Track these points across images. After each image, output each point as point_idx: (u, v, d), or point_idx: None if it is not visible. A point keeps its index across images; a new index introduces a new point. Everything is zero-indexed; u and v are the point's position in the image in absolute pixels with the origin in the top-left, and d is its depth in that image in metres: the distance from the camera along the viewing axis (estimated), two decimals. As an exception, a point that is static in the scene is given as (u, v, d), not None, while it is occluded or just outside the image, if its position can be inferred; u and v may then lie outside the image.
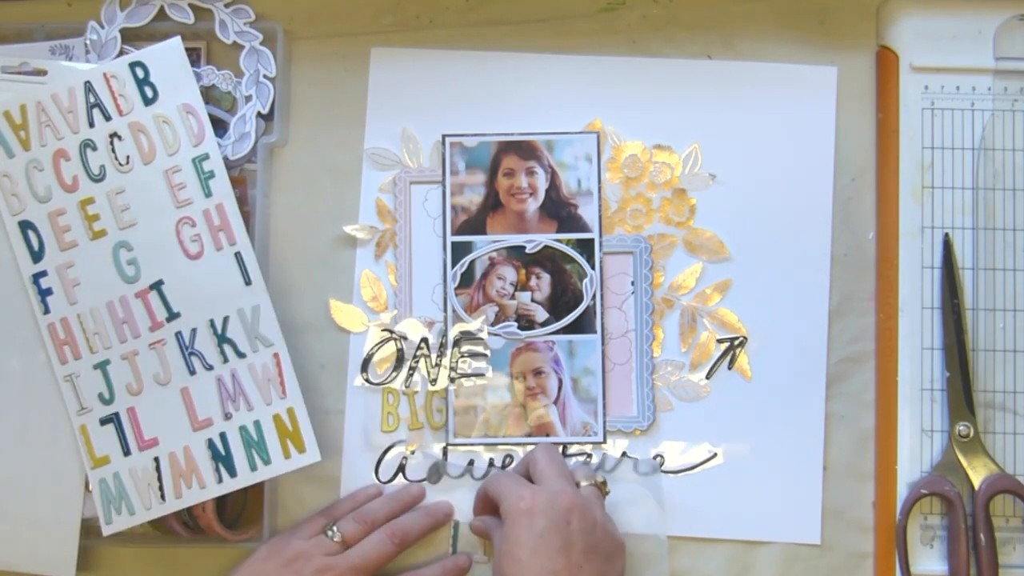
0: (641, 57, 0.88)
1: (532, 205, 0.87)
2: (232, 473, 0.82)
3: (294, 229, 0.88)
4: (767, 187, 0.86)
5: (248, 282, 0.83)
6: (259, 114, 0.86)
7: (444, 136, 0.87)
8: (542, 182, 0.87)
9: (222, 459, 0.82)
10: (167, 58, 0.84)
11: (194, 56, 0.88)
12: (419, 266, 0.87)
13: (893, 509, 0.83)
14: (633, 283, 0.86)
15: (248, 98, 0.87)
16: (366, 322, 0.87)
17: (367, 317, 0.87)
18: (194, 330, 0.83)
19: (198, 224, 0.83)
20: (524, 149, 0.87)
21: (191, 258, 0.83)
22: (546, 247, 0.86)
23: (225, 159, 0.85)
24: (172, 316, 0.83)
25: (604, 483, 0.81)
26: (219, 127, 0.86)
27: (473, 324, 0.86)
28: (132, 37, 0.87)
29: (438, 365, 0.86)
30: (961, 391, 0.82)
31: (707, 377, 0.86)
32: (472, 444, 0.86)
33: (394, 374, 0.87)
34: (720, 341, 0.86)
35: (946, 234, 0.84)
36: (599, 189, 0.87)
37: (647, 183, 0.87)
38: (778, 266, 0.86)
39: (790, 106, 0.87)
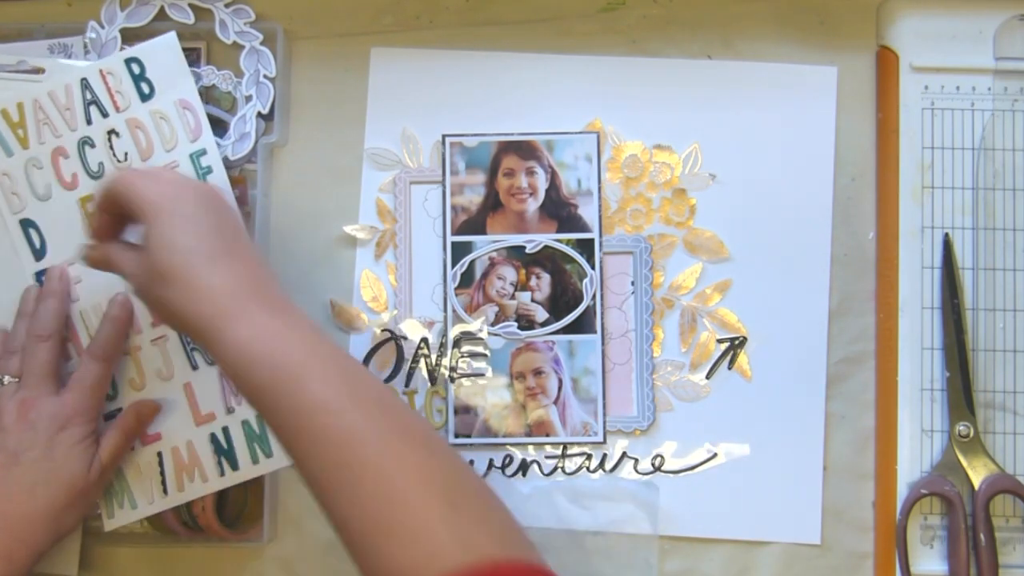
0: (641, 57, 0.88)
1: (532, 205, 0.87)
2: (234, 466, 0.83)
3: (294, 229, 0.88)
4: (767, 187, 0.86)
5: (249, 281, 0.83)
6: (259, 114, 0.86)
7: (444, 136, 0.87)
8: (542, 182, 0.87)
9: (224, 453, 0.83)
10: (163, 53, 0.84)
11: (194, 56, 0.88)
12: (419, 266, 0.87)
13: (893, 509, 0.83)
14: (633, 283, 0.86)
15: (248, 98, 0.87)
16: (366, 322, 0.87)
17: (367, 317, 0.87)
18: (196, 328, 0.83)
19: (198, 223, 0.83)
20: (524, 149, 0.87)
21: (191, 257, 0.83)
22: (546, 247, 0.86)
23: (225, 159, 0.85)
24: (173, 315, 0.83)
25: None
26: (219, 127, 0.86)
27: (473, 324, 0.86)
28: (132, 37, 0.87)
29: (438, 365, 0.86)
30: (961, 391, 0.82)
31: (707, 377, 0.86)
32: (472, 444, 0.86)
33: (394, 374, 0.87)
34: (720, 341, 0.86)
35: (946, 234, 0.84)
36: (599, 189, 0.87)
37: (647, 183, 0.87)
38: (778, 266, 0.86)
39: (790, 106, 0.87)
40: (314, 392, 0.65)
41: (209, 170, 0.84)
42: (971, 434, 0.82)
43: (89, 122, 0.84)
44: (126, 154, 0.84)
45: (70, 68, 0.85)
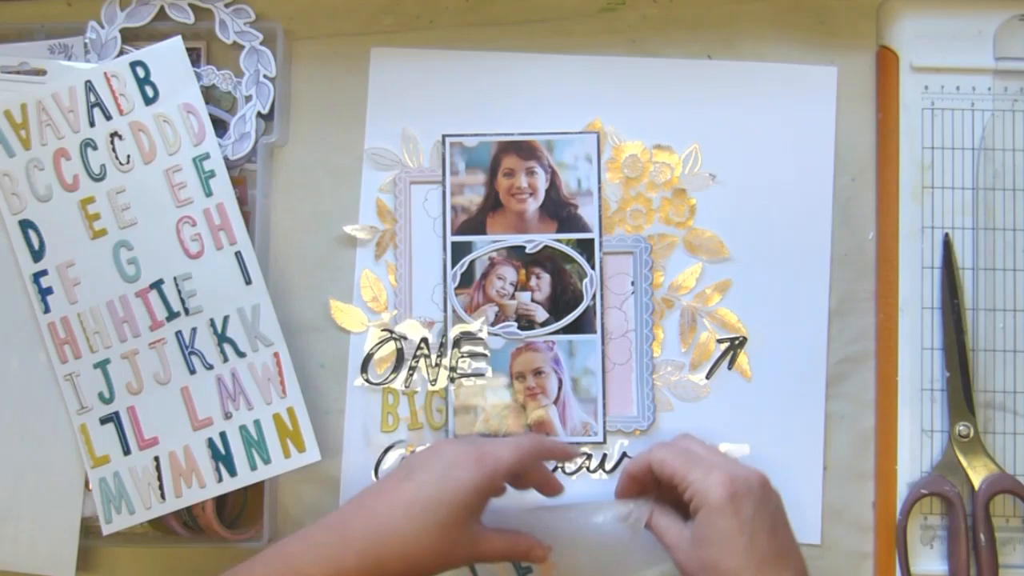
0: (641, 57, 0.88)
1: (532, 205, 0.87)
2: (232, 472, 0.82)
3: (294, 229, 0.88)
4: (767, 187, 0.86)
5: (248, 281, 0.83)
6: (259, 114, 0.87)
7: (444, 136, 0.87)
8: (542, 182, 0.87)
9: (222, 458, 0.82)
10: (168, 58, 0.84)
11: (194, 56, 0.88)
12: (419, 266, 0.87)
13: (893, 509, 0.83)
14: (633, 283, 0.86)
15: (248, 98, 0.87)
16: (366, 322, 0.87)
17: (367, 317, 0.87)
18: (194, 329, 0.83)
19: (198, 223, 0.83)
20: (524, 149, 0.87)
21: (191, 257, 0.83)
22: (546, 247, 0.86)
23: (225, 159, 0.85)
24: (172, 315, 0.83)
25: None
26: (219, 127, 0.86)
27: (473, 324, 0.86)
28: (132, 37, 0.87)
29: (438, 365, 0.86)
30: (961, 391, 0.82)
31: (707, 377, 0.86)
32: (472, 444, 0.86)
33: (394, 374, 0.87)
34: (720, 341, 0.86)
35: (946, 234, 0.84)
36: (599, 189, 0.87)
37: (647, 183, 0.87)
38: (778, 266, 0.86)
39: (790, 106, 0.87)
40: None
41: (212, 174, 0.84)
42: (971, 434, 0.82)
43: (92, 124, 0.84)
44: (128, 157, 0.84)
45: (74, 70, 0.85)
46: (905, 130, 0.85)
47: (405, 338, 0.87)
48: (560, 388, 0.85)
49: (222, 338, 0.83)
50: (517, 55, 0.88)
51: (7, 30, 0.88)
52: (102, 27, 0.87)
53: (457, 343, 0.86)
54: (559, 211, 0.86)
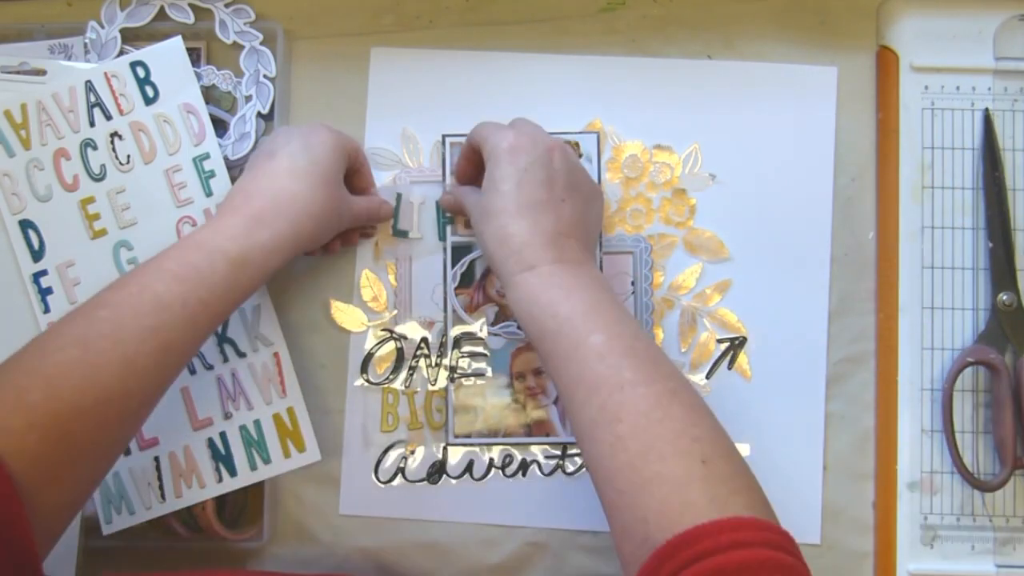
0: (641, 57, 0.88)
1: (532, 205, 0.86)
2: (232, 472, 0.82)
3: (294, 229, 0.88)
4: (767, 187, 0.86)
5: (248, 281, 0.83)
6: (259, 114, 0.87)
7: (444, 136, 0.87)
8: (542, 182, 0.87)
9: (222, 458, 0.82)
10: (168, 58, 0.84)
11: (194, 56, 0.88)
12: (419, 266, 0.87)
13: (893, 509, 0.83)
14: (633, 283, 0.86)
15: (248, 98, 0.87)
16: (366, 322, 0.87)
17: (367, 317, 0.87)
18: (194, 329, 0.83)
19: (199, 223, 0.83)
20: (524, 149, 0.87)
21: (191, 257, 0.83)
22: (546, 247, 0.86)
23: (226, 159, 0.85)
24: (172, 315, 0.83)
25: (578, 144, 0.85)
26: (219, 127, 0.86)
27: (473, 324, 0.86)
28: (132, 37, 0.87)
29: (438, 365, 0.86)
30: (1004, 261, 0.83)
31: (707, 377, 0.86)
32: (472, 444, 0.86)
33: (394, 374, 0.87)
34: (720, 341, 0.86)
35: (986, 109, 0.84)
36: (599, 189, 0.87)
37: (647, 183, 0.87)
38: (778, 266, 0.86)
39: (790, 106, 0.87)
40: (594, 344, 0.68)
41: (212, 174, 0.84)
42: (1015, 304, 0.82)
43: (92, 124, 0.84)
44: (128, 157, 0.84)
45: (74, 70, 0.85)
46: (905, 130, 0.85)
47: (405, 338, 0.87)
48: (560, 388, 0.85)
49: (222, 338, 0.83)
50: (517, 55, 0.88)
51: (7, 30, 0.88)
52: (102, 27, 0.87)
53: (457, 343, 0.86)
54: (559, 211, 0.86)
